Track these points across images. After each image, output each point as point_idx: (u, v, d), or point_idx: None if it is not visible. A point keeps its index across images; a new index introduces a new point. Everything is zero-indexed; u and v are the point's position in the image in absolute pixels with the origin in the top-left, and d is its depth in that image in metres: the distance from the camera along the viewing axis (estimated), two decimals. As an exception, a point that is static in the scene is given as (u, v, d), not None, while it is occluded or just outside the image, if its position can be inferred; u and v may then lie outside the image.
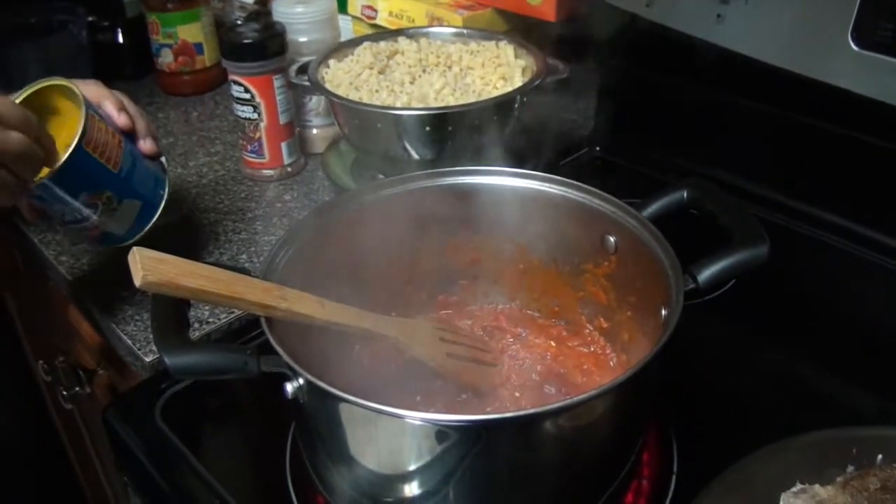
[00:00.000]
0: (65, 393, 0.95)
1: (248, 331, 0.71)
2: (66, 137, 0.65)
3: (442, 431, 0.46)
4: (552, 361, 0.63)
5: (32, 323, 1.11)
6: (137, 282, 0.44)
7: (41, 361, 1.02)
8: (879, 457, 0.52)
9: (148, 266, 0.44)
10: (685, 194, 0.61)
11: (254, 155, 0.91)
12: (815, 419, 0.57)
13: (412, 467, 0.49)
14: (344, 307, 0.54)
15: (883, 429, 0.54)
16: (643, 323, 0.59)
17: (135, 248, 0.45)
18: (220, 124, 1.05)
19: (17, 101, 0.64)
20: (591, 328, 0.65)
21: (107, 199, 0.68)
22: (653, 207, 0.62)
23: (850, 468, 0.51)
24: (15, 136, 0.56)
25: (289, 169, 0.92)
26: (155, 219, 0.72)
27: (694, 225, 0.61)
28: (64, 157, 0.64)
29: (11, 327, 1.14)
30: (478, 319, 0.66)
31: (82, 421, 1.07)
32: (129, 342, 0.70)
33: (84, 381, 0.86)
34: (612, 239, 0.60)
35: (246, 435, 0.66)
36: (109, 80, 1.13)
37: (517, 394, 0.59)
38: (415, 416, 0.45)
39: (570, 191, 0.62)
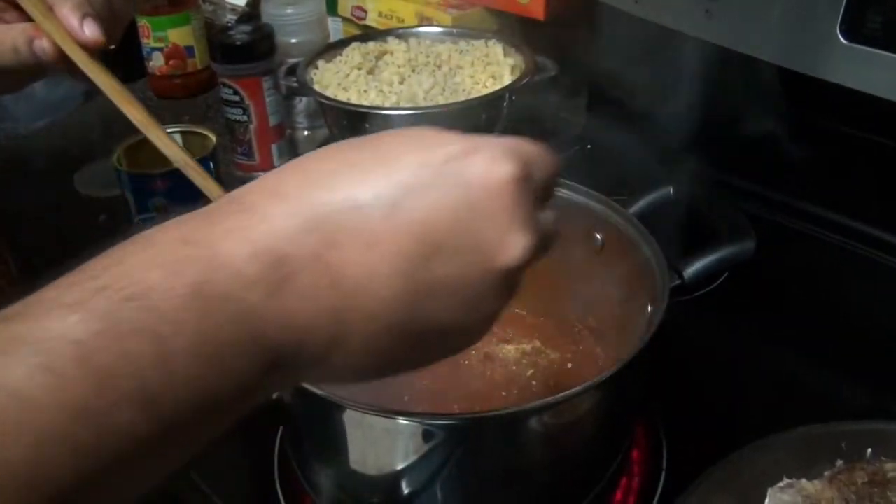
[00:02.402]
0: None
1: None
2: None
3: (428, 431, 0.46)
4: (540, 360, 0.63)
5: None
6: None
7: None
8: (869, 451, 0.52)
9: None
10: (671, 190, 0.61)
11: (244, 157, 0.91)
12: (806, 414, 0.56)
13: (399, 467, 0.49)
14: None
15: (872, 423, 0.53)
16: (631, 320, 0.58)
17: None
18: (212, 127, 1.05)
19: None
20: (580, 326, 0.65)
21: None
22: (640, 204, 0.62)
23: (839, 462, 0.51)
24: None
25: (280, 171, 0.92)
26: None
27: (684, 221, 0.61)
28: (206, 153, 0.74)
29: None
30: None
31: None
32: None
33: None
34: (598, 236, 0.60)
35: (234, 435, 0.65)
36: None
37: (504, 393, 0.59)
38: (400, 416, 0.45)
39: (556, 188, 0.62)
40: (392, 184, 0.29)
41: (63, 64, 0.52)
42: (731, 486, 0.49)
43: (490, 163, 0.30)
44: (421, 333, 0.31)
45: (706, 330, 0.71)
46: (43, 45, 0.52)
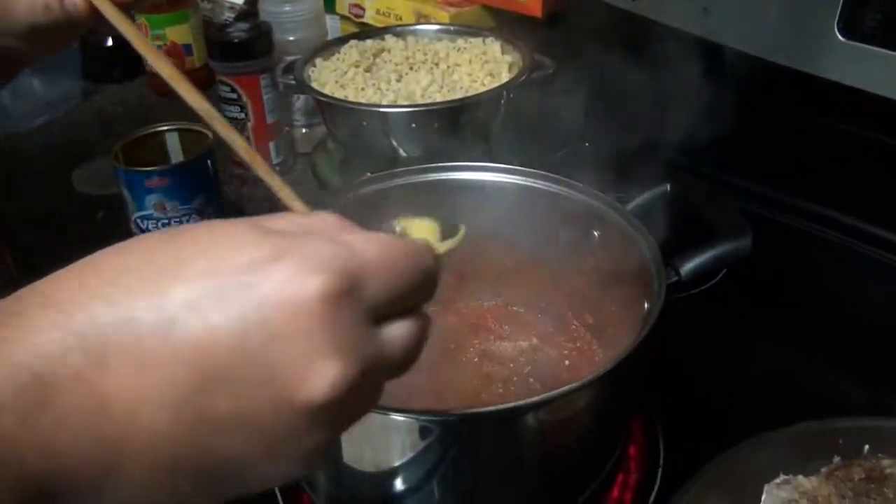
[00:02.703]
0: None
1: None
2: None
3: (424, 427, 0.46)
4: (537, 357, 0.62)
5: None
6: None
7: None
8: (866, 447, 0.52)
9: None
10: (668, 188, 0.61)
11: (242, 155, 0.90)
12: (804, 411, 0.56)
13: (395, 464, 0.49)
14: None
15: (869, 419, 0.53)
16: (628, 317, 0.58)
17: None
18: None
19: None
20: (578, 324, 0.65)
21: (210, 216, 0.75)
22: (637, 201, 0.62)
23: (837, 459, 0.51)
24: None
25: (277, 169, 0.92)
26: None
27: (683, 220, 0.61)
28: (202, 151, 0.74)
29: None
30: (463, 317, 0.66)
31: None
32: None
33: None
34: (596, 233, 0.60)
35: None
36: (102, 83, 1.15)
37: (501, 390, 0.59)
38: (396, 413, 0.45)
39: (554, 186, 0.62)
40: (172, 295, 0.25)
41: (93, 20, 0.53)
42: (727, 482, 0.49)
43: (293, 275, 0.25)
44: (212, 470, 0.26)
45: (704, 327, 0.71)
46: (74, 0, 0.53)
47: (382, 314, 0.28)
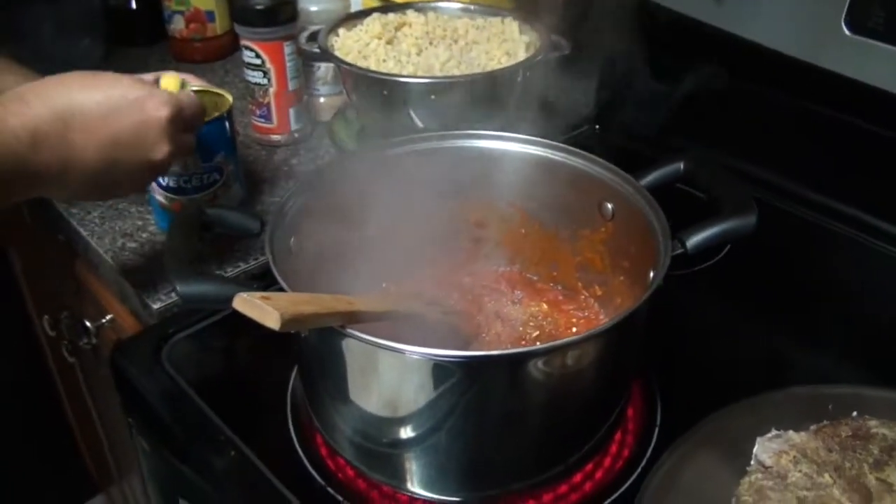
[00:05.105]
0: (69, 346, 0.97)
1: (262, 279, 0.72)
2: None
3: (438, 366, 0.48)
4: (545, 324, 0.65)
5: (38, 278, 1.12)
6: (275, 325, 0.42)
7: (46, 316, 1.04)
8: (854, 413, 0.54)
9: (279, 305, 0.43)
10: (682, 166, 0.64)
11: (262, 120, 0.93)
12: (795, 383, 0.59)
13: (407, 405, 0.51)
14: (378, 297, 0.61)
15: (859, 387, 0.56)
16: (635, 288, 0.61)
17: (246, 295, 0.43)
18: (230, 91, 1.07)
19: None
20: (587, 294, 0.67)
21: (230, 173, 0.78)
22: (650, 177, 0.64)
23: (825, 423, 0.54)
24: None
25: (296, 135, 0.94)
26: None
27: (693, 203, 0.63)
28: (223, 112, 0.77)
29: (14, 282, 1.16)
30: (478, 278, 0.69)
31: (83, 376, 1.09)
32: (137, 291, 0.72)
33: (91, 334, 0.88)
34: (609, 206, 0.63)
35: (249, 378, 0.68)
36: (122, 46, 1.16)
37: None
38: (412, 350, 0.47)
39: (570, 157, 0.64)
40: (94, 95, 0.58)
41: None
42: (719, 439, 0.52)
43: (157, 104, 0.60)
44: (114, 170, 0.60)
45: (705, 303, 0.74)
46: None
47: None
